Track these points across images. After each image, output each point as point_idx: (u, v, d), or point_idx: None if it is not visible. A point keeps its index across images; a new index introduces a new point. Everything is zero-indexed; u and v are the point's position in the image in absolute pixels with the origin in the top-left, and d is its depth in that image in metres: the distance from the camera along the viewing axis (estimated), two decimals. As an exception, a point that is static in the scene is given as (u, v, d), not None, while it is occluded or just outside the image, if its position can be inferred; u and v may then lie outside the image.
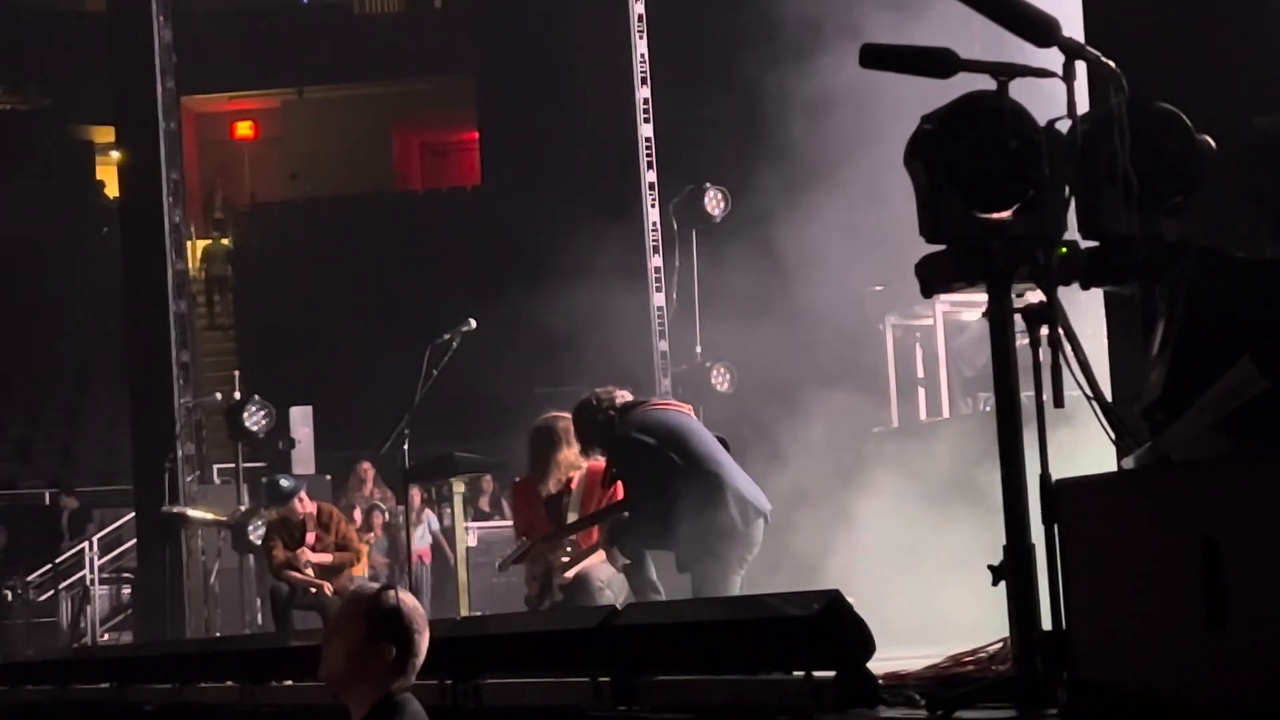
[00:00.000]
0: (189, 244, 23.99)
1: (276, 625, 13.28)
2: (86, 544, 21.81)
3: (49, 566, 22.05)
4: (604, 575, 8.78)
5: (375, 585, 4.40)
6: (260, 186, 34.93)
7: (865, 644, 4.30)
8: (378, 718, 4.21)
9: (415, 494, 16.53)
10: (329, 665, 4.29)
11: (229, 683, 8.45)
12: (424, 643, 4.29)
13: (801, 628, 4.38)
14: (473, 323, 10.91)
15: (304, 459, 18.84)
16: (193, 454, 16.30)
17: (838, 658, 4.31)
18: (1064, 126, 4.31)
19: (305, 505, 13.30)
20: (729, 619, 4.97)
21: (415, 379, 10.78)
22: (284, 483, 13.52)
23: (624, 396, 8.58)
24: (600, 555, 8.88)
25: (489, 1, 29.39)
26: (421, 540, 17.58)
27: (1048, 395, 4.18)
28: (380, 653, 4.21)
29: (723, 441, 8.62)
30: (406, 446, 11.01)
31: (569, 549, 8.95)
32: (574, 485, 9.08)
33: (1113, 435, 4.33)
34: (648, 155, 15.03)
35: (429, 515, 18.06)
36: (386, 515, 18.05)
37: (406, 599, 4.30)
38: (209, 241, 31.97)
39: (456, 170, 35.56)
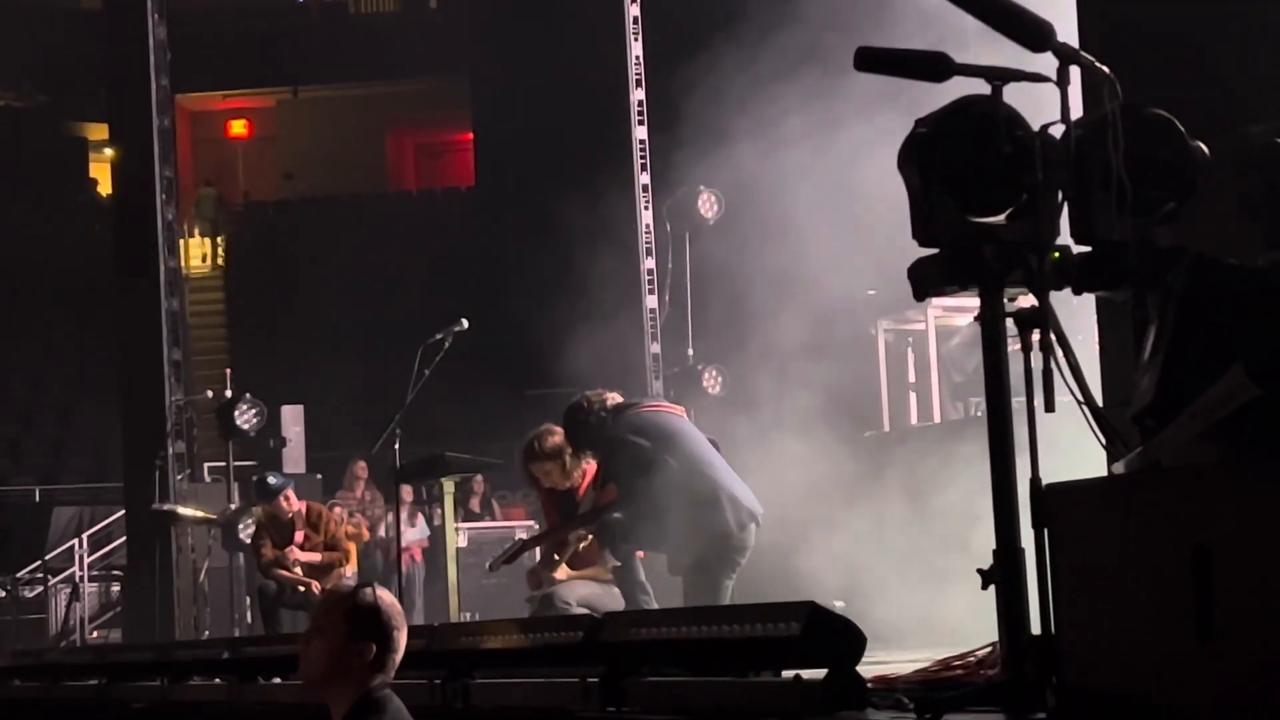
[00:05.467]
0: (181, 241, 23.97)
1: (265, 624, 13.27)
2: (76, 541, 21.79)
3: (38, 563, 22.02)
4: (578, 593, 8.76)
5: (353, 584, 4.39)
6: (254, 185, 34.92)
7: (854, 646, 4.30)
8: (358, 715, 4.21)
9: (406, 494, 16.53)
10: (309, 665, 4.28)
11: (217, 680, 8.45)
12: (403, 639, 4.30)
13: (784, 647, 4.40)
14: (465, 323, 10.89)
15: (295, 458, 18.81)
16: (183, 452, 16.28)
17: (827, 660, 4.32)
18: (1058, 131, 4.31)
19: (293, 504, 13.30)
20: (709, 639, 4.92)
21: (407, 379, 10.76)
22: (271, 479, 13.53)
23: (615, 399, 8.57)
24: (565, 570, 8.88)
25: (484, 3, 29.38)
26: (417, 537, 17.57)
27: (1039, 400, 4.18)
28: (360, 651, 4.21)
29: (714, 444, 8.62)
30: (398, 446, 11.00)
31: (557, 551, 8.94)
32: (583, 488, 9.08)
33: (1103, 440, 4.34)
34: (641, 157, 15.03)
35: (420, 518, 18.05)
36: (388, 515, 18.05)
37: (384, 596, 4.30)
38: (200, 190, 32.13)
39: (451, 171, 35.57)
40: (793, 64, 10.68)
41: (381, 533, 17.64)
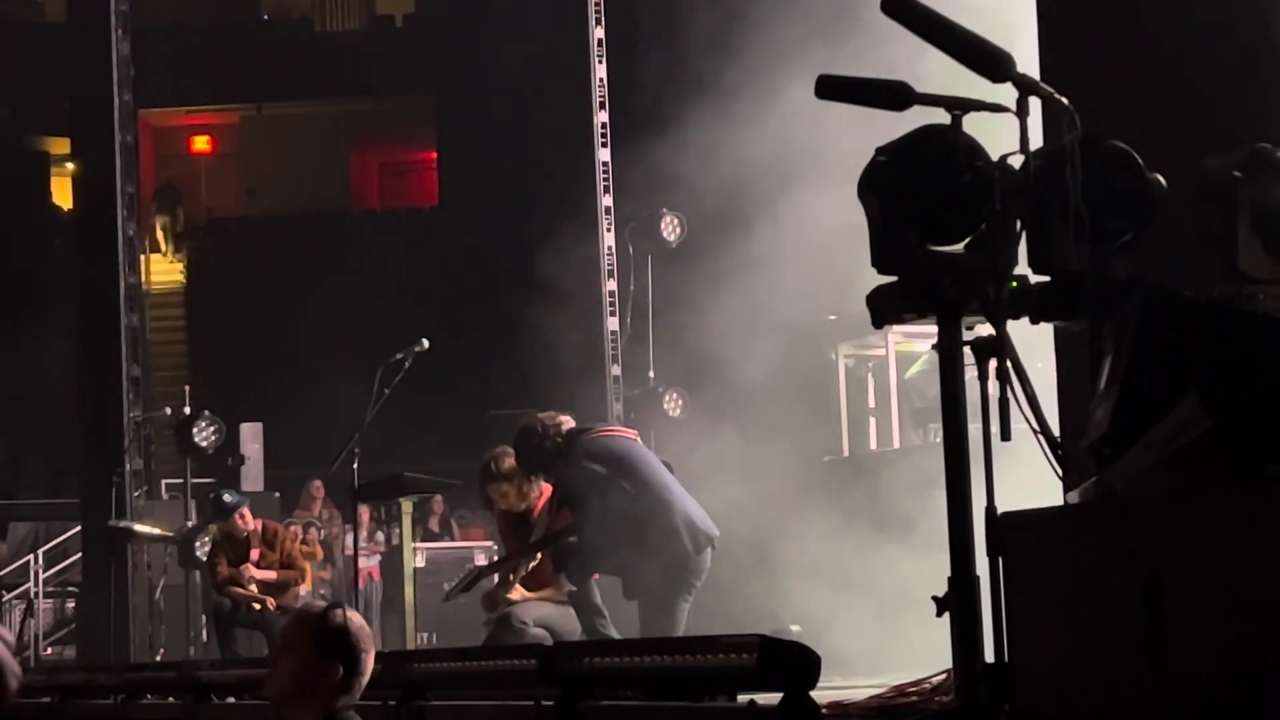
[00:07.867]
0: (143, 257, 23.89)
1: (219, 642, 13.22)
2: (31, 557, 21.66)
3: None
4: (534, 614, 8.73)
5: (322, 604, 4.37)
6: (217, 202, 34.79)
7: (809, 671, 4.31)
8: (322, 736, 4.19)
9: (364, 513, 16.50)
10: (275, 684, 4.26)
11: (171, 699, 8.41)
12: (370, 662, 4.28)
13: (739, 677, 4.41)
14: (426, 343, 10.89)
15: (253, 476, 18.75)
16: (141, 469, 16.18)
17: (781, 685, 4.32)
18: (1017, 162, 4.33)
19: (248, 522, 13.27)
20: (662, 670, 4.92)
21: (367, 398, 10.75)
22: (227, 498, 13.49)
23: (568, 423, 8.57)
24: (520, 592, 8.85)
25: (450, 22, 29.38)
26: (371, 557, 17.54)
27: (995, 428, 4.20)
28: (327, 672, 4.19)
29: (667, 466, 8.62)
30: (356, 465, 10.98)
31: (512, 576, 8.92)
32: (537, 512, 9.05)
33: (1059, 469, 4.36)
34: (604, 179, 15.03)
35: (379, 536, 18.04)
36: (321, 533, 17.99)
37: (354, 618, 4.28)
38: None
39: (414, 190, 35.49)
40: (757, 89, 10.71)
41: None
